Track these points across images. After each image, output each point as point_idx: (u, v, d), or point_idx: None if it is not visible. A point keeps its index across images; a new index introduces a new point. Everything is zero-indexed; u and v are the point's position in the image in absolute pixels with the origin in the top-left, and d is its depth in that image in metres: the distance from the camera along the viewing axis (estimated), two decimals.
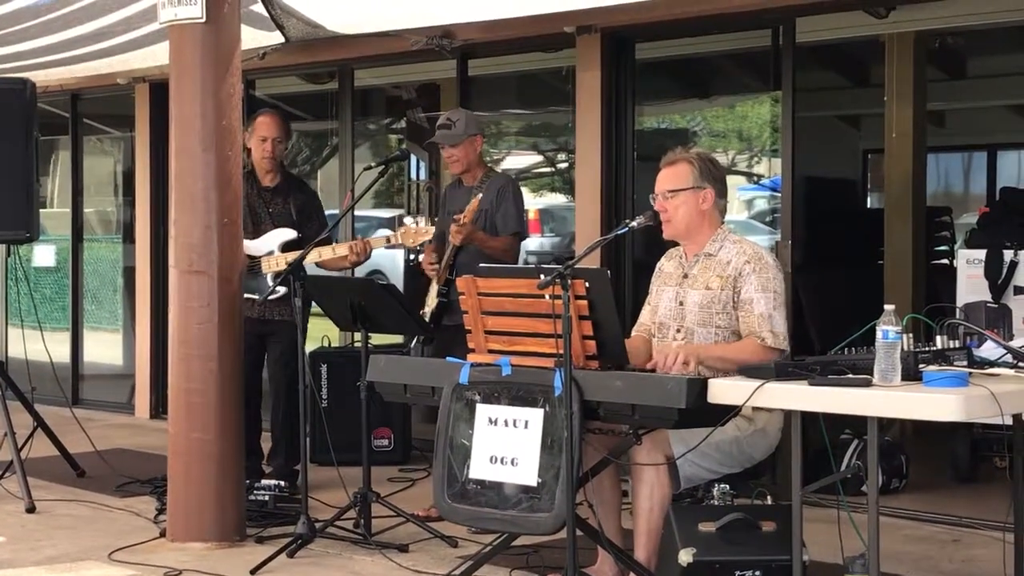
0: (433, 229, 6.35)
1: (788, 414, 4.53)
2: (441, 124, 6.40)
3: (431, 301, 6.30)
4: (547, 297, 4.47)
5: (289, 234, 6.72)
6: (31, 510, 6.57)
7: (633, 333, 5.10)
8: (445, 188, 6.94)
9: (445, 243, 6.36)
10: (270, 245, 6.66)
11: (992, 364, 4.27)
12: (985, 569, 5.30)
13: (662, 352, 4.70)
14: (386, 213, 11.60)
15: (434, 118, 6.46)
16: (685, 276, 4.98)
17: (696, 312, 4.89)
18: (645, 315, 5.14)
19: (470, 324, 4.82)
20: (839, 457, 6.48)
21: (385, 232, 6.59)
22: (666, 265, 5.12)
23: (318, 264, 6.47)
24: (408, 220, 6.36)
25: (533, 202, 12.45)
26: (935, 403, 3.92)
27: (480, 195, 6.17)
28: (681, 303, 4.95)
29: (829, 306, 7.55)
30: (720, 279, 4.87)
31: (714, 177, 4.97)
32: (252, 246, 6.62)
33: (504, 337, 4.74)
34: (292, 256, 6.49)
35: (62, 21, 7.59)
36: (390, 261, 11.15)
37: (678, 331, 4.94)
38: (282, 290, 6.41)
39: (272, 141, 6.74)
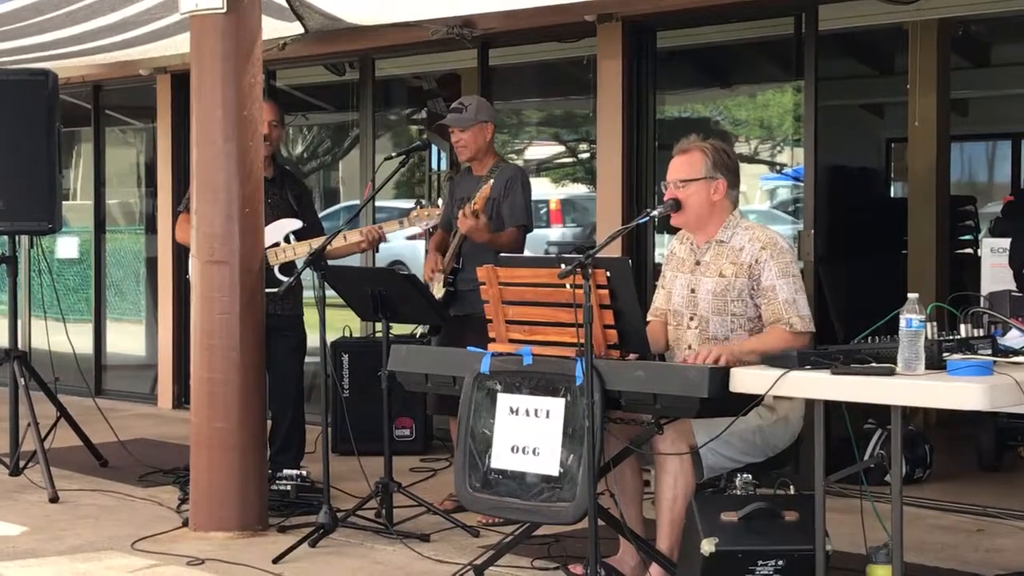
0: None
1: (811, 403, 4.51)
2: (453, 107, 6.38)
3: (438, 290, 6.25)
4: (568, 286, 4.46)
5: (294, 224, 6.64)
6: (54, 500, 6.60)
7: (650, 317, 5.09)
8: (454, 176, 6.91)
9: (451, 232, 6.33)
10: (275, 236, 6.59)
11: (1017, 353, 4.25)
12: (1010, 559, 5.28)
13: (694, 352, 4.68)
14: (406, 204, 11.61)
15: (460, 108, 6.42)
16: (697, 263, 4.95)
17: (710, 300, 4.86)
18: (659, 299, 5.12)
19: (491, 313, 4.82)
20: (862, 447, 6.45)
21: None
22: (678, 249, 5.09)
23: (325, 254, 6.36)
24: (419, 203, 6.34)
25: (554, 192, 12.44)
26: (959, 392, 3.90)
27: (492, 180, 6.09)
28: (693, 291, 4.93)
29: (853, 295, 7.52)
30: (734, 266, 4.84)
31: (727, 167, 4.93)
32: None
33: (525, 326, 4.74)
34: (300, 246, 6.48)
35: (84, 12, 7.61)
36: (410, 251, 11.16)
37: (692, 319, 4.92)
38: (295, 281, 6.38)
39: (268, 124, 6.55)
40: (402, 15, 7.43)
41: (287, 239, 6.60)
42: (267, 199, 6.55)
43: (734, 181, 4.97)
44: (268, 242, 6.49)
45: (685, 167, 4.93)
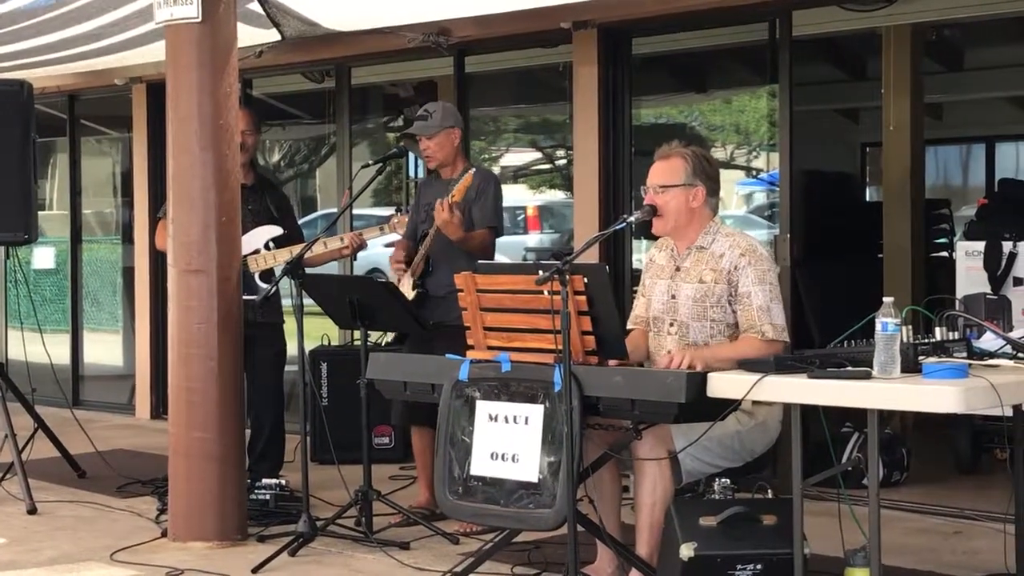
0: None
1: (788, 407, 4.54)
2: (418, 115, 6.32)
3: (407, 292, 6.17)
4: (546, 293, 4.48)
5: (274, 230, 6.64)
6: (32, 511, 6.57)
7: (630, 326, 5.10)
8: (420, 182, 6.87)
9: (417, 238, 6.31)
10: (255, 243, 6.58)
11: (992, 355, 4.28)
12: (987, 560, 5.30)
13: (667, 356, 4.70)
14: (384, 211, 11.60)
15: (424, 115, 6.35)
16: (677, 269, 4.96)
17: (690, 306, 4.88)
18: (640, 307, 5.14)
19: (469, 320, 4.82)
20: (840, 450, 6.48)
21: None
22: (657, 256, 5.11)
23: (306, 261, 6.33)
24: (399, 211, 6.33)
25: (532, 198, 12.46)
26: (935, 395, 3.92)
27: (472, 170, 6.00)
28: (673, 296, 4.94)
29: (828, 299, 7.54)
30: (714, 272, 4.86)
31: (707, 175, 4.93)
32: None
33: (503, 333, 4.75)
34: (280, 253, 6.48)
35: (58, 21, 7.60)
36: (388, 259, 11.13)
37: (671, 325, 4.93)
38: (274, 289, 6.37)
39: (243, 132, 6.49)
40: (380, 21, 7.43)
41: (267, 246, 6.61)
42: (247, 206, 6.56)
43: (714, 189, 4.97)
44: (248, 249, 6.50)
45: (665, 173, 4.94)
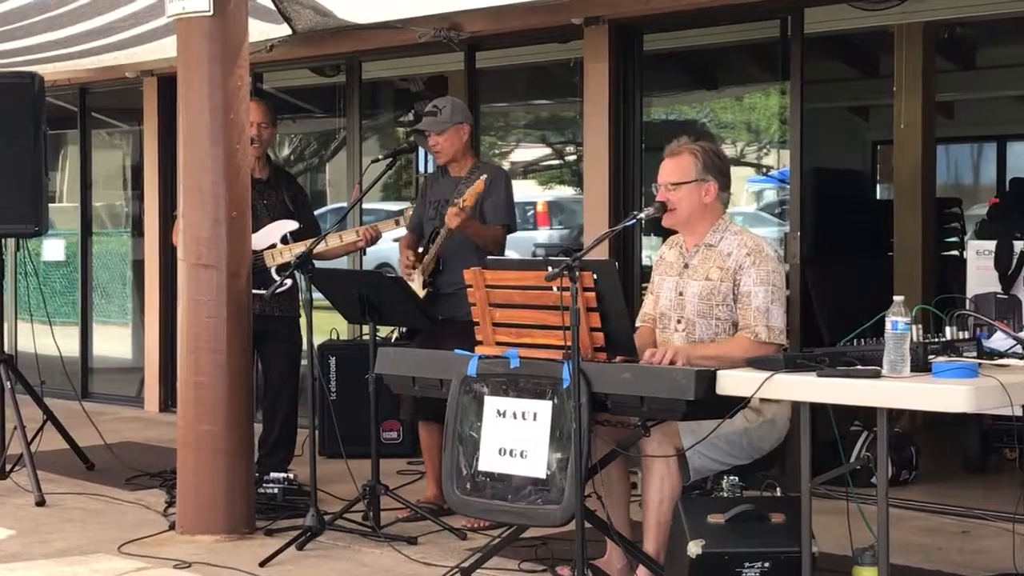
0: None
1: (797, 406, 4.53)
2: (427, 111, 6.30)
3: (417, 291, 6.15)
4: (555, 289, 4.47)
5: (290, 225, 6.63)
6: (41, 503, 6.59)
7: (638, 323, 5.10)
8: (426, 176, 6.85)
9: (423, 233, 6.30)
10: (271, 238, 6.59)
11: (1002, 355, 4.27)
12: (995, 560, 5.29)
13: (652, 351, 4.70)
14: (394, 206, 11.61)
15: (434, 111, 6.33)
16: (686, 266, 4.96)
17: (696, 303, 4.88)
18: (648, 305, 5.14)
19: (478, 316, 4.82)
20: (848, 449, 6.47)
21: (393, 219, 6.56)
22: (667, 254, 5.10)
23: (321, 254, 6.34)
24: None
25: (541, 194, 12.45)
26: (944, 394, 3.91)
27: (485, 176, 5.98)
28: (680, 294, 4.94)
29: (838, 298, 7.54)
30: (720, 270, 4.85)
31: (718, 169, 4.93)
32: (252, 240, 6.54)
33: (512, 329, 4.74)
34: (297, 247, 6.47)
35: (69, 16, 7.60)
36: (397, 253, 11.14)
37: (678, 322, 4.93)
38: (288, 283, 6.37)
39: (257, 126, 6.53)
40: (393, 13, 7.42)
41: (284, 240, 6.61)
42: (263, 200, 6.57)
43: (725, 183, 4.97)
44: (265, 243, 6.52)
45: (675, 170, 4.93)
